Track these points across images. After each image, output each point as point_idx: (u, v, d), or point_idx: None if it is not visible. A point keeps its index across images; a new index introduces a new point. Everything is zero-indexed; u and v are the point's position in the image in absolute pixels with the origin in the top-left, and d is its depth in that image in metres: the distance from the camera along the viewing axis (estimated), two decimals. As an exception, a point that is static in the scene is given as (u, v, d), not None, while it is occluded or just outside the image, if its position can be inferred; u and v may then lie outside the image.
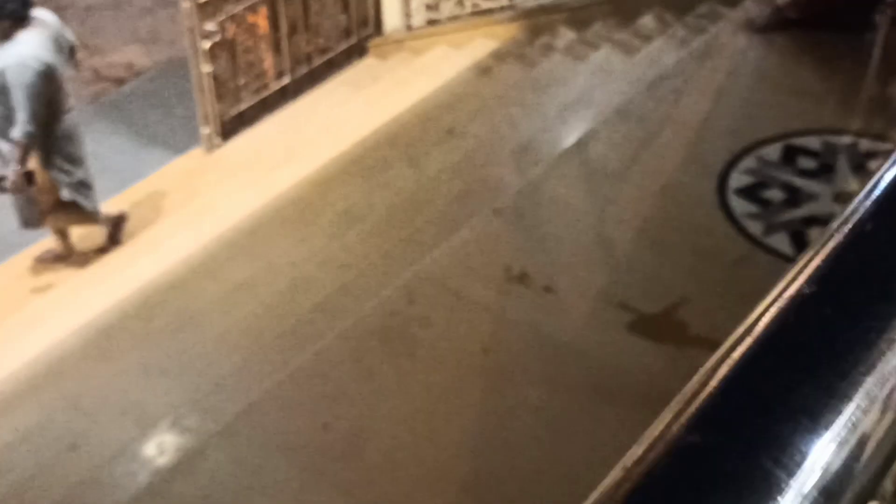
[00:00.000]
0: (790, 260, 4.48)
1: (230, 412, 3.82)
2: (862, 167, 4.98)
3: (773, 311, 0.96)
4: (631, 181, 4.93)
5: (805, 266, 1.00)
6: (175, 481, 3.59)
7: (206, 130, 7.02)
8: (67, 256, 6.08)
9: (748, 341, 0.94)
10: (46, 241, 6.10)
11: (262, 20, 7.10)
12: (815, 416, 0.87)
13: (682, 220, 4.71)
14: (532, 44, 6.74)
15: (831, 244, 1.03)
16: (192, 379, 4.21)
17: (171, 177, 6.88)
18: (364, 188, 5.79)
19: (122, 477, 3.68)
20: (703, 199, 4.76)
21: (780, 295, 0.97)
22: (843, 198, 4.80)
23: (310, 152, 6.48)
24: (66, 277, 5.95)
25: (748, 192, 4.80)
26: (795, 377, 0.90)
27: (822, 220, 4.68)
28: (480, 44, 7.10)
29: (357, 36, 7.76)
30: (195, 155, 7.07)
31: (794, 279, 0.99)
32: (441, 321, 4.25)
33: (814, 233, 4.62)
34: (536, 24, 6.93)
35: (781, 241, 4.57)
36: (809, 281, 0.98)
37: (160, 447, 3.75)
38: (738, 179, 4.85)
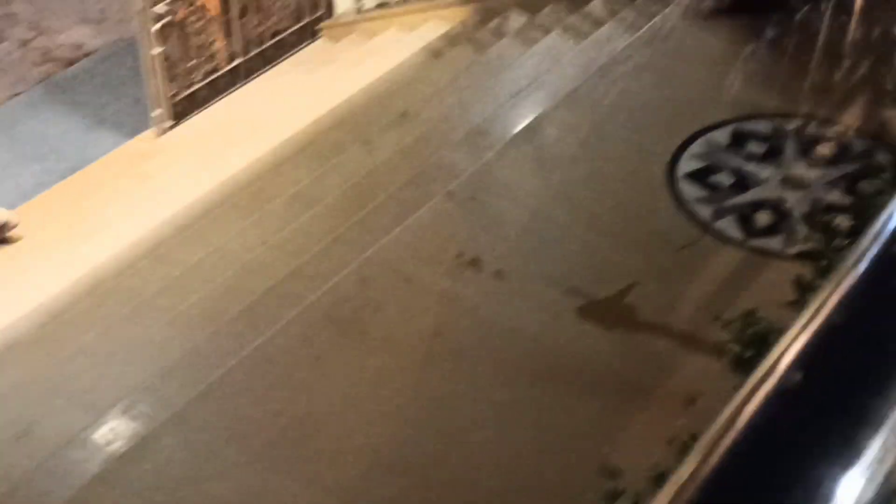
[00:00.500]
0: (738, 244, 4.55)
1: (182, 399, 3.81)
2: (809, 151, 5.04)
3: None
4: (582, 166, 4.96)
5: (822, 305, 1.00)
6: (126, 469, 3.58)
7: (156, 112, 6.97)
8: None
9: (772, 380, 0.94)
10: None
11: (212, 1, 7.06)
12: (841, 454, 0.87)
13: (632, 204, 4.75)
14: (483, 27, 6.75)
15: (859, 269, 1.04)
16: (144, 365, 4.19)
17: (121, 159, 6.82)
18: (316, 171, 5.77)
19: (74, 465, 3.67)
20: (653, 183, 4.80)
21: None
22: (791, 182, 4.87)
23: (261, 135, 6.45)
24: (13, 261, 5.90)
25: (697, 177, 4.85)
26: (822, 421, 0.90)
27: (770, 204, 4.74)
28: (432, 27, 7.10)
29: (308, 17, 7.73)
30: (146, 137, 7.02)
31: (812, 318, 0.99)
32: (393, 306, 4.26)
33: (761, 217, 4.68)
34: (487, 8, 6.94)
35: (729, 226, 4.62)
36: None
37: (111, 434, 3.73)
38: (687, 164, 4.90)
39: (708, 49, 5.70)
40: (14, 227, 5.99)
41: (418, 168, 5.24)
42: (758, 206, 4.74)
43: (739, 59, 5.58)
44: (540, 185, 4.89)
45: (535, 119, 5.27)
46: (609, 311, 4.19)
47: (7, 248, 6.02)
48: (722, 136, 5.06)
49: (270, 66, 7.53)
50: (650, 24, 5.76)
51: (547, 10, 6.54)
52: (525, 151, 5.11)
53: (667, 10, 5.80)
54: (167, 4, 6.71)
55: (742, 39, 5.72)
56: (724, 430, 0.91)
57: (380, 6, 7.58)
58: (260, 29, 7.43)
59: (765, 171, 4.90)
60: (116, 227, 5.84)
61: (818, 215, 4.67)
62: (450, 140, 5.44)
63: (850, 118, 5.29)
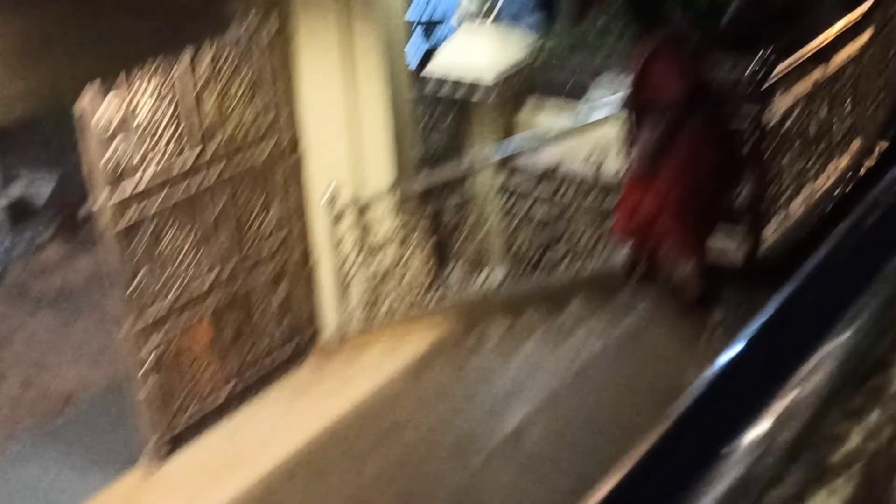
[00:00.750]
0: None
1: None
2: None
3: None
4: (566, 468, 4.96)
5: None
6: None
7: (147, 451, 7.00)
8: None
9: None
10: None
11: (202, 339, 7.22)
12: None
13: None
14: (465, 338, 6.89)
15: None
16: None
17: (114, 500, 6.80)
18: (307, 494, 5.77)
19: None
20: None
21: None
22: None
23: (252, 462, 6.47)
24: None
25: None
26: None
27: None
28: (416, 341, 7.25)
29: (297, 342, 7.88)
30: (138, 475, 7.02)
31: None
32: None
33: None
34: (469, 318, 7.11)
35: None
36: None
37: None
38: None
39: (680, 341, 5.78)
40: None
41: (407, 481, 5.25)
42: None
43: (710, 345, 5.66)
44: (526, 494, 4.88)
45: (519, 425, 5.31)
46: None
47: None
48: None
49: (260, 393, 7.63)
50: (623, 323, 5.89)
51: (526, 315, 6.70)
52: (510, 458, 5.12)
53: (638, 310, 5.93)
54: (158, 347, 6.88)
55: (717, 325, 5.81)
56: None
57: (366, 327, 7.76)
58: (249, 360, 7.57)
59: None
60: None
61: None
62: (437, 451, 5.47)
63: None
